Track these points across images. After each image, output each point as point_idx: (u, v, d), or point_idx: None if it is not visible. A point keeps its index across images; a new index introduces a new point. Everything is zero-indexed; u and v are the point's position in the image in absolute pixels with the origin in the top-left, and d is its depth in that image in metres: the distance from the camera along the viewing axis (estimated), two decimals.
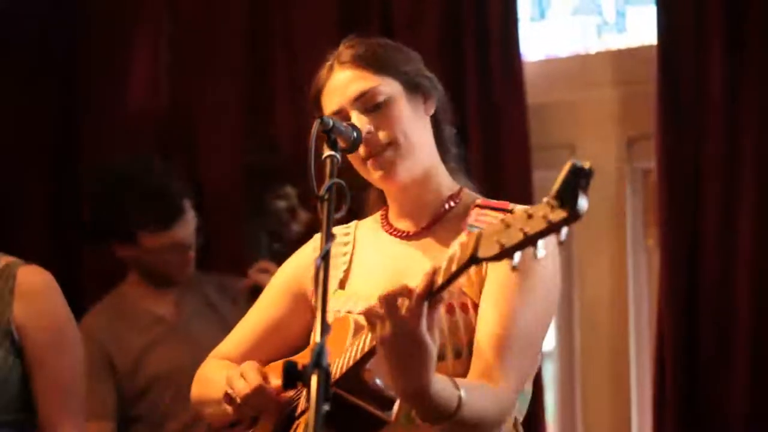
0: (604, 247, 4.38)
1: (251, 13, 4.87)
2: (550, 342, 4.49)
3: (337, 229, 2.73)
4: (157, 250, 4.10)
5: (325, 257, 2.15)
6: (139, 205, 4.05)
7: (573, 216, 1.91)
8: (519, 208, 2.49)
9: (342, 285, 2.64)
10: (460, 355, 2.44)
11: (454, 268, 2.12)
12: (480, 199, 2.60)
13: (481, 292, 2.47)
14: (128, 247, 4.14)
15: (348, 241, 2.69)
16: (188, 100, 4.95)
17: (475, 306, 2.46)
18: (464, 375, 2.40)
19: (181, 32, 4.99)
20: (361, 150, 2.53)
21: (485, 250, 2.03)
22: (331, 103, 2.57)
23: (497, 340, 2.40)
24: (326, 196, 2.29)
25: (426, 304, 2.18)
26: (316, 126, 2.40)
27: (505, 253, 1.99)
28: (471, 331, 2.45)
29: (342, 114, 2.54)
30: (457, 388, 2.28)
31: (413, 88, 2.58)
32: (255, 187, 4.36)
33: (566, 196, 1.91)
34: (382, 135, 2.52)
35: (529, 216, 1.96)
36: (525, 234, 1.96)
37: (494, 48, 4.35)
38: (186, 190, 4.15)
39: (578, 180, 1.91)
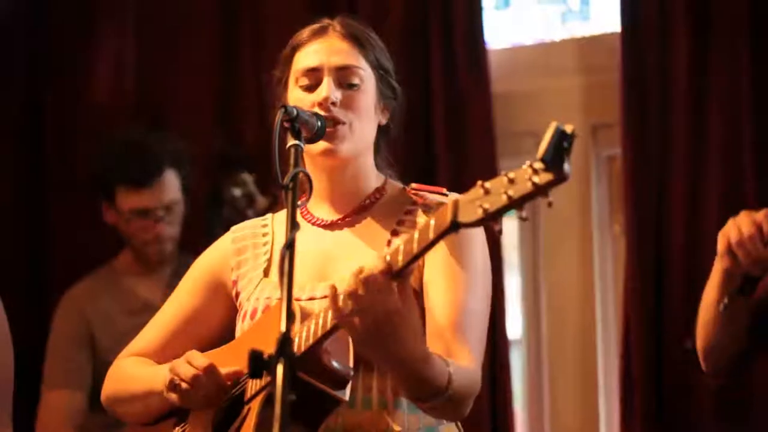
0: (570, 234, 4.39)
1: (219, 5, 4.85)
2: (517, 329, 4.50)
3: (252, 221, 2.75)
4: (127, 213, 4.11)
5: (290, 246, 2.15)
6: (119, 158, 4.11)
7: (559, 178, 1.92)
8: (452, 194, 2.49)
9: (266, 273, 2.63)
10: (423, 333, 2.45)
11: (431, 235, 2.10)
12: (413, 184, 2.60)
13: (421, 280, 2.47)
14: (111, 211, 4.15)
15: (267, 232, 2.69)
16: (155, 94, 4.92)
17: (416, 294, 2.44)
18: None
19: (149, 24, 4.96)
20: (310, 104, 2.52)
21: (466, 215, 2.02)
22: (310, 59, 2.57)
23: (454, 323, 2.41)
24: (290, 185, 2.29)
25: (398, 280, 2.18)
26: (279, 115, 2.40)
27: (490, 217, 1.99)
28: (420, 315, 2.43)
29: (317, 73, 2.55)
30: (447, 364, 2.30)
31: (382, 88, 2.60)
32: (214, 176, 4.36)
33: (552, 159, 1.91)
34: (343, 112, 2.53)
35: (511, 180, 1.96)
36: (509, 197, 1.96)
37: (459, 36, 4.35)
38: (173, 161, 4.14)
39: (562, 143, 1.91)
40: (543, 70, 4.49)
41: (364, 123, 2.56)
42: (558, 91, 4.44)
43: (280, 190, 2.31)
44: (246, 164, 4.30)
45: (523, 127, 4.45)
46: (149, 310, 4.10)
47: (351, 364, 2.34)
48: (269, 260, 2.65)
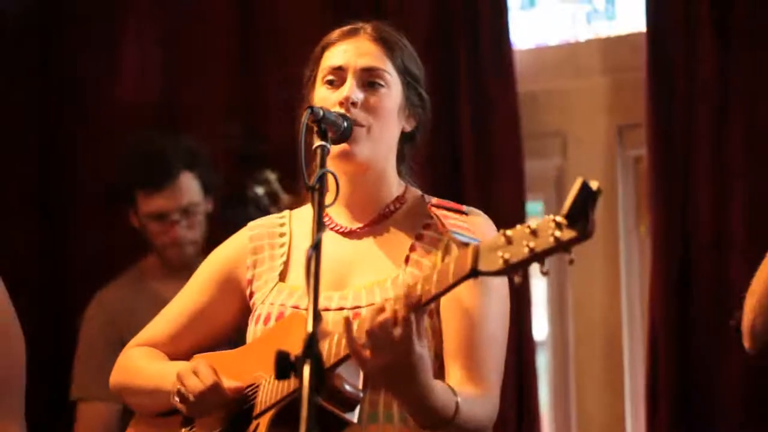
0: (596, 235, 4.35)
1: (240, 7, 4.85)
2: (543, 331, 4.48)
3: (269, 219, 2.73)
4: (146, 216, 4.12)
5: (316, 247, 2.14)
6: (134, 164, 4.14)
7: (584, 236, 1.93)
8: (470, 209, 2.50)
9: (282, 277, 2.61)
10: (438, 356, 2.46)
11: (450, 280, 2.12)
12: (434, 199, 2.57)
13: (438, 301, 2.45)
14: (134, 214, 4.17)
15: (284, 232, 2.67)
16: (177, 93, 4.93)
17: (437, 313, 2.46)
18: (439, 376, 2.41)
19: (170, 26, 4.97)
20: (333, 104, 2.51)
21: (487, 264, 2.03)
22: (337, 58, 2.56)
23: (471, 351, 2.41)
24: (317, 186, 2.28)
25: (413, 316, 2.19)
26: (306, 116, 2.39)
27: (510, 269, 2.00)
28: (437, 337, 2.46)
29: (342, 72, 2.54)
30: (455, 394, 2.31)
31: (408, 95, 2.58)
32: (237, 174, 4.36)
33: (577, 216, 1.92)
34: (363, 115, 2.51)
35: (533, 232, 1.96)
36: (531, 250, 1.96)
37: (484, 37, 4.34)
38: (188, 163, 4.14)
39: (588, 200, 1.91)
40: (568, 71, 4.48)
41: (385, 127, 2.54)
42: (583, 92, 4.42)
43: (306, 191, 2.30)
44: (269, 162, 4.30)
45: (549, 128, 4.43)
46: None
47: (361, 386, 2.34)
48: (285, 263, 2.63)
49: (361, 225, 2.59)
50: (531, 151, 4.34)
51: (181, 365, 2.56)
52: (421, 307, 2.18)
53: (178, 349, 2.69)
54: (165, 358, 2.70)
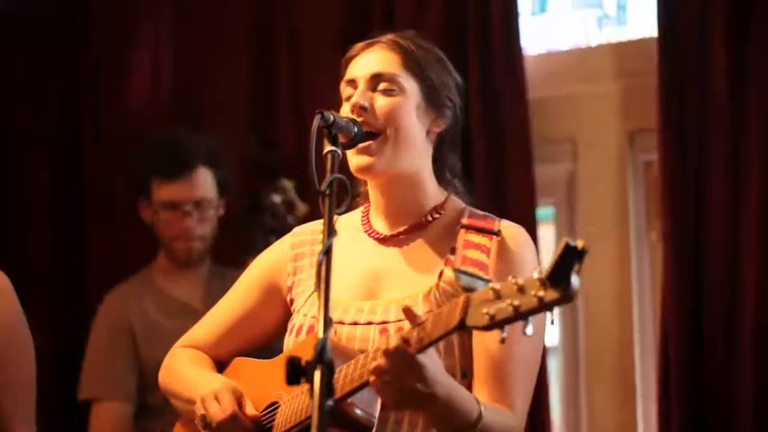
0: (607, 240, 4.37)
1: (254, 10, 4.86)
2: (554, 337, 4.47)
3: (314, 224, 2.72)
4: (159, 204, 4.13)
5: (327, 252, 2.14)
6: (154, 152, 4.18)
7: (566, 297, 1.94)
8: (504, 226, 2.50)
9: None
10: (466, 375, 2.45)
11: (441, 331, 2.13)
12: (465, 218, 2.55)
13: None
14: (147, 205, 4.19)
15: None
16: (191, 100, 4.94)
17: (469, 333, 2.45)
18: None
19: (184, 30, 4.98)
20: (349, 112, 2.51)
21: (474, 319, 2.05)
22: (351, 71, 2.57)
23: (499, 369, 2.42)
24: (327, 192, 2.28)
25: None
26: (316, 121, 2.39)
27: (494, 325, 2.01)
28: (465, 353, 2.46)
29: (352, 84, 2.55)
30: (478, 403, 2.31)
31: (430, 98, 2.56)
32: (253, 183, 4.36)
33: (559, 277, 1.93)
34: (375, 119, 2.51)
35: (520, 289, 1.98)
36: (515, 309, 1.98)
37: (495, 42, 4.34)
38: (207, 159, 4.16)
39: (572, 260, 1.92)
40: (579, 76, 4.48)
41: (401, 130, 2.51)
42: (595, 97, 4.42)
43: (317, 196, 2.30)
44: (285, 170, 4.30)
45: (559, 133, 4.43)
46: (187, 312, 4.15)
47: (377, 413, 2.34)
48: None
49: (395, 232, 2.58)
50: (542, 156, 4.34)
51: (209, 383, 2.58)
52: (416, 353, 2.19)
53: (221, 352, 2.73)
54: (208, 360, 2.73)
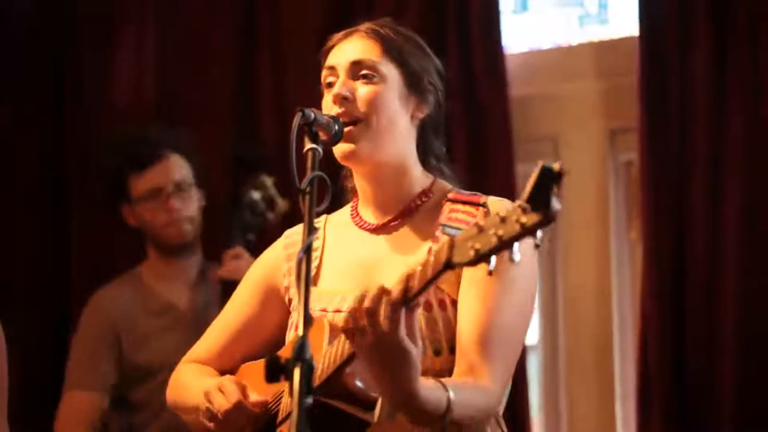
0: (587, 240, 4.38)
1: (238, 9, 4.85)
2: (533, 336, 4.48)
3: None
4: (141, 198, 4.11)
5: (307, 250, 2.14)
6: (122, 150, 4.15)
7: (546, 219, 1.91)
8: (491, 200, 2.51)
9: (314, 282, 2.60)
10: (440, 352, 2.43)
11: (429, 274, 2.12)
12: (452, 193, 2.56)
13: (458, 289, 2.45)
14: (129, 208, 4.16)
15: (318, 236, 2.66)
16: (174, 97, 4.94)
17: (453, 302, 2.45)
18: (444, 372, 2.40)
19: (168, 28, 4.97)
20: (335, 111, 2.50)
21: (460, 256, 2.03)
22: (330, 59, 2.57)
23: (480, 338, 2.38)
24: (308, 189, 2.27)
25: (403, 309, 2.18)
26: (297, 119, 2.38)
27: (481, 258, 1.99)
28: (450, 328, 2.44)
29: (334, 71, 2.54)
30: (446, 389, 2.28)
31: (411, 84, 2.56)
32: (234, 179, 4.36)
33: (539, 200, 1.91)
34: (357, 108, 2.50)
35: (503, 219, 1.96)
36: (499, 238, 1.96)
37: (476, 40, 4.34)
38: (177, 146, 4.15)
39: (549, 183, 1.90)
40: (561, 74, 4.48)
41: (384, 117, 2.51)
42: (576, 95, 4.43)
43: (298, 194, 2.30)
44: (265, 167, 4.29)
45: (541, 132, 4.43)
46: (172, 311, 4.15)
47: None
48: (318, 267, 2.62)
49: (385, 221, 2.58)
50: (523, 154, 4.34)
51: (212, 381, 2.57)
52: (407, 302, 2.17)
53: (226, 362, 2.71)
54: (214, 373, 2.70)
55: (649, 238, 4.02)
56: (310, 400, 1.97)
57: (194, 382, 2.66)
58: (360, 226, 2.61)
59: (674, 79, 4.02)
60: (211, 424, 2.52)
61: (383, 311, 2.17)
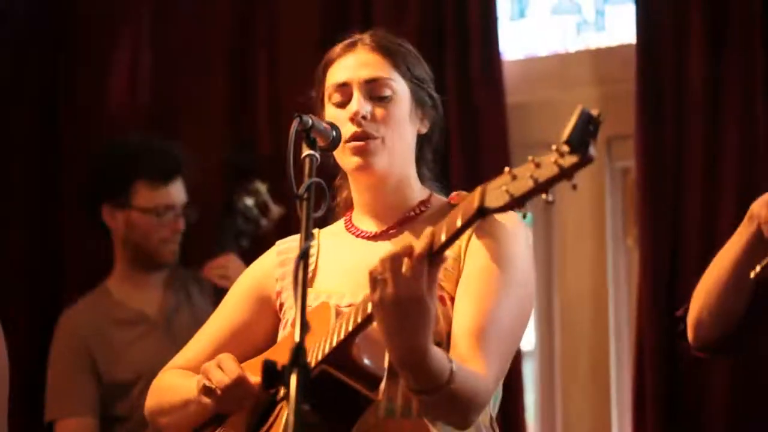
0: (583, 246, 4.38)
1: (233, 13, 4.86)
2: (529, 342, 4.48)
3: (298, 235, 2.72)
4: (148, 209, 4.08)
5: (304, 255, 2.14)
6: (140, 155, 4.10)
7: (585, 160, 1.90)
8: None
9: (310, 283, 2.60)
10: (440, 345, 2.40)
11: (459, 222, 2.09)
12: (453, 195, 2.57)
13: (457, 286, 2.46)
14: (118, 211, 4.11)
15: (312, 244, 2.67)
16: (169, 101, 4.94)
17: (452, 299, 2.45)
18: None
19: (164, 31, 4.98)
20: (348, 128, 2.51)
21: (493, 200, 2.01)
22: (339, 75, 2.56)
23: (476, 332, 2.37)
24: (305, 196, 2.28)
25: (427, 263, 2.15)
26: (295, 124, 2.39)
27: (516, 202, 1.98)
28: (449, 322, 2.43)
29: (346, 88, 2.54)
30: (450, 361, 2.26)
31: (417, 98, 2.59)
32: (228, 186, 4.35)
33: (577, 142, 1.90)
34: (375, 126, 2.52)
35: (537, 165, 1.95)
36: (535, 180, 1.95)
37: (474, 47, 4.34)
38: (185, 166, 4.14)
39: (588, 126, 1.89)
40: (558, 82, 4.48)
41: (398, 135, 2.54)
42: (573, 103, 4.35)
43: (295, 200, 2.30)
44: (259, 173, 4.29)
45: (537, 139, 4.42)
46: (143, 321, 4.13)
47: (385, 365, 2.30)
48: (313, 271, 2.62)
49: (386, 227, 2.59)
50: (520, 161, 4.31)
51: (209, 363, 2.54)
52: (434, 254, 2.14)
53: None
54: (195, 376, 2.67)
55: (646, 245, 4.03)
56: (306, 407, 1.97)
57: (181, 381, 2.64)
58: (357, 235, 2.61)
59: (671, 87, 4.03)
60: (208, 400, 2.48)
61: (406, 263, 2.15)
